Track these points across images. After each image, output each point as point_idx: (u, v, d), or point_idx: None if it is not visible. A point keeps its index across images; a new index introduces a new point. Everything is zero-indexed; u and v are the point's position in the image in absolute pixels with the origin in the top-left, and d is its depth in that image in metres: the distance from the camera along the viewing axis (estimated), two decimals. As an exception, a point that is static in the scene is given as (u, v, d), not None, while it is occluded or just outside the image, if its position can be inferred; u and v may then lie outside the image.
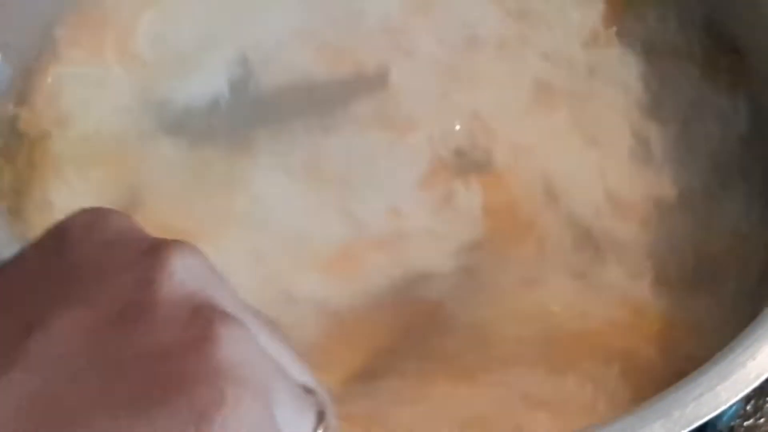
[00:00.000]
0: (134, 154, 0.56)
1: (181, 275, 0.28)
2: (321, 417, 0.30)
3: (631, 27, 0.60)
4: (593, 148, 0.57)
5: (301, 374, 0.30)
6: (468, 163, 0.56)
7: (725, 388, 0.41)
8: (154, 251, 0.29)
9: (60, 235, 0.30)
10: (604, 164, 0.56)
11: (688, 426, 0.40)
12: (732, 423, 0.57)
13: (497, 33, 0.60)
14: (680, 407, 0.40)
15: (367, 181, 0.55)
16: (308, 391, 0.30)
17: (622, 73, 0.59)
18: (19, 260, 0.30)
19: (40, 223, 0.53)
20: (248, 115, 0.57)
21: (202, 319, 0.27)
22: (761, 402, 0.58)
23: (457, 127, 0.57)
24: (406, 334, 0.51)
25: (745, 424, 0.58)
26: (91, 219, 0.30)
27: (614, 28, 0.60)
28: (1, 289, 0.29)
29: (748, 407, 0.58)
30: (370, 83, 0.58)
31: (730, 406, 0.41)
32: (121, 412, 0.25)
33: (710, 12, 0.60)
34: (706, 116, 0.57)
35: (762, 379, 0.41)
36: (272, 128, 0.57)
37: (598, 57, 0.59)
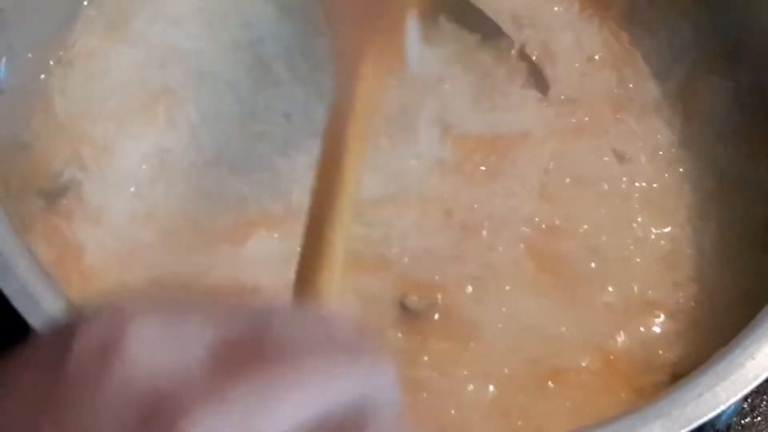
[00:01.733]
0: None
1: None
2: None
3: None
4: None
5: None
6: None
7: (724, 388, 0.41)
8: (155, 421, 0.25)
9: (62, 351, 0.26)
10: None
11: (688, 425, 0.40)
12: (729, 421, 0.57)
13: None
14: (680, 407, 0.40)
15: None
16: None
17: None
18: (19, 365, 0.26)
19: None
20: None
21: None
22: (758, 400, 0.58)
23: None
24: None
25: (743, 422, 0.58)
26: (103, 342, 0.26)
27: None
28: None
29: (745, 405, 0.58)
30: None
31: (729, 406, 0.41)
32: None
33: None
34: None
35: (761, 379, 0.41)
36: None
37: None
